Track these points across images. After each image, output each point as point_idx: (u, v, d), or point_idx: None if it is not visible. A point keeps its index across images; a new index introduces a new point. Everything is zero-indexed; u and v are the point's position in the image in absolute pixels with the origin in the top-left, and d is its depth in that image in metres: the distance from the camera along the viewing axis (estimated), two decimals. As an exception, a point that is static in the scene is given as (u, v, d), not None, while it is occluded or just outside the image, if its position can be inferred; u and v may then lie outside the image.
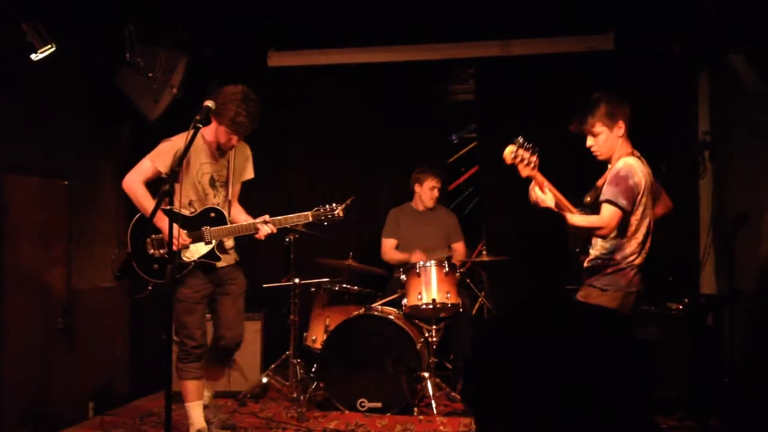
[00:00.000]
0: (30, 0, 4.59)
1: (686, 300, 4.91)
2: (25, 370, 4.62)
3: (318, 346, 5.28)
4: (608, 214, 3.63)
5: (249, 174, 4.53)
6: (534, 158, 3.80)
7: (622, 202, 3.62)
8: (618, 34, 5.64)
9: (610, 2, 5.38)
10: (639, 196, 3.69)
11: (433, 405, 4.95)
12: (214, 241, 4.23)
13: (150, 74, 5.23)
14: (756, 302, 4.49)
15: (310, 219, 4.26)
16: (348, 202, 4.32)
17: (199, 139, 4.20)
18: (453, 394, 5.21)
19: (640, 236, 3.74)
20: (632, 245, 3.73)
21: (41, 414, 4.68)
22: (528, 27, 5.78)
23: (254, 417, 4.98)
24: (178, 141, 4.14)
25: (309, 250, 5.52)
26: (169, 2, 5.30)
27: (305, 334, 5.48)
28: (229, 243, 4.39)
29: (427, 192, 5.81)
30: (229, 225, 4.26)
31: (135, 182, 4.18)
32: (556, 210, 3.72)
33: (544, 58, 5.86)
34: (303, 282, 5.41)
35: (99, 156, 5.61)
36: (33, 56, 4.55)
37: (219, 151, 4.30)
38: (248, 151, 4.52)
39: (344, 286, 5.50)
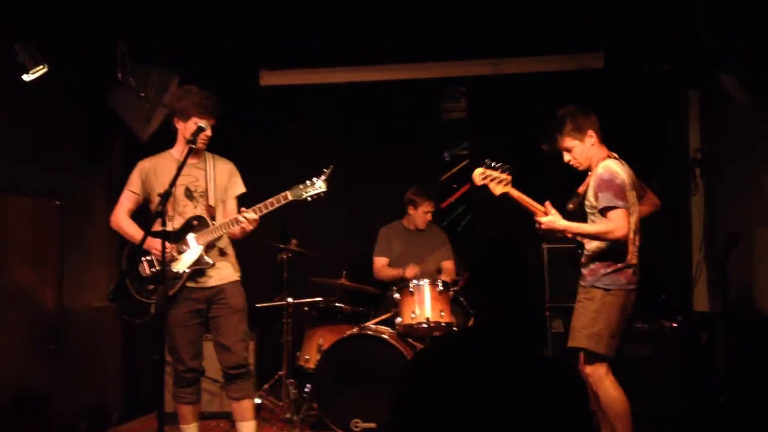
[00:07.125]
0: (22, 21, 4.60)
1: (680, 318, 4.91)
2: (16, 390, 4.58)
3: (311, 365, 5.24)
4: (616, 217, 3.73)
5: (239, 189, 4.44)
6: (505, 176, 3.94)
7: (620, 203, 3.74)
8: (608, 53, 5.68)
9: (601, 21, 5.40)
10: (627, 193, 3.80)
11: (427, 424, 4.92)
12: (201, 246, 4.18)
13: (142, 93, 5.25)
14: (749, 320, 4.50)
15: (290, 198, 4.12)
16: (328, 171, 4.14)
17: (166, 159, 4.30)
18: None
19: (630, 234, 3.81)
20: (625, 243, 3.79)
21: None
22: (519, 46, 5.82)
23: (247, 438, 4.94)
24: (142, 163, 4.32)
25: (302, 269, 5.50)
26: (162, 22, 5.30)
27: (298, 353, 5.46)
28: (219, 260, 4.29)
29: (421, 216, 5.81)
30: (211, 226, 4.19)
31: (118, 217, 4.29)
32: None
33: (535, 77, 5.90)
34: (296, 301, 5.38)
35: (92, 175, 5.61)
36: (25, 77, 4.55)
37: (196, 156, 4.25)
38: (230, 166, 4.44)
39: (337, 305, 5.47)
